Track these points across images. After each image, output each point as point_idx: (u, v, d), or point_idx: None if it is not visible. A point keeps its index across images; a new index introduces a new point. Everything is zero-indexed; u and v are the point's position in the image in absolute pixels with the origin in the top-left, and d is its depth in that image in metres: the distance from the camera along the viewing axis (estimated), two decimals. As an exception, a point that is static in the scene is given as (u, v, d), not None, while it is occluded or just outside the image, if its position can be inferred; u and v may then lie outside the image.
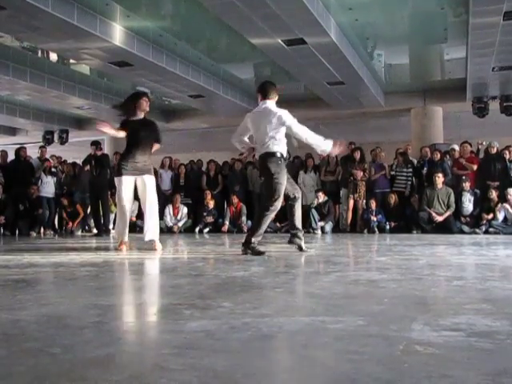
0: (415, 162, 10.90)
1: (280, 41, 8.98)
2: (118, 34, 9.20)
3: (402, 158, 10.58)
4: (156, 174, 11.95)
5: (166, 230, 10.84)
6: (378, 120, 15.53)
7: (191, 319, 1.78)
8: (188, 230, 10.93)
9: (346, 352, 1.37)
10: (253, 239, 4.67)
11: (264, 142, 4.80)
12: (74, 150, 18.21)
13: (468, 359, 1.30)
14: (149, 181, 5.39)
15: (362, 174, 10.26)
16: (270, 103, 4.87)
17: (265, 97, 4.90)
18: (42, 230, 10.62)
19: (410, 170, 10.55)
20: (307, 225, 10.31)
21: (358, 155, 10.39)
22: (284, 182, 4.77)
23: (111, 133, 5.44)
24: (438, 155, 10.37)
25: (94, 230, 9.92)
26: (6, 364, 1.28)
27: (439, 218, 9.55)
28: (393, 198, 10.17)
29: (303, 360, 1.33)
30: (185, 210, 11.12)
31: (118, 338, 1.55)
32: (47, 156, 11.58)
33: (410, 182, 10.50)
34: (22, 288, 2.65)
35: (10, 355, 1.37)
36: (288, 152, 4.95)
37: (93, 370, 1.23)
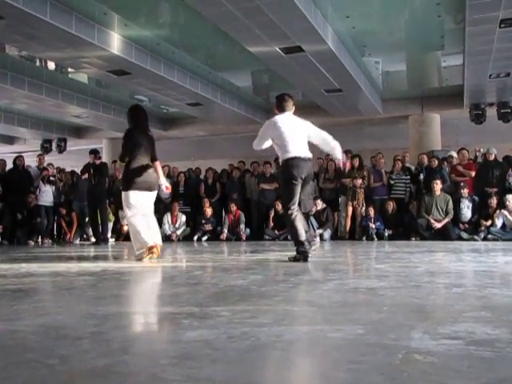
0: (413, 168, 10.93)
1: (278, 49, 9.00)
2: (115, 42, 9.22)
3: (399, 165, 10.60)
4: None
5: (164, 239, 10.79)
6: (375, 127, 15.55)
7: (190, 329, 1.78)
8: (186, 238, 10.92)
9: (345, 361, 1.37)
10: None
11: None
12: (73, 159, 18.21)
13: (468, 368, 1.30)
14: None
15: (361, 181, 10.26)
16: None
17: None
18: (40, 238, 10.60)
19: (409, 177, 10.57)
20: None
21: (356, 163, 10.40)
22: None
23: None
24: (436, 162, 10.39)
25: (93, 239, 9.91)
26: (3, 376, 1.27)
27: (438, 225, 9.55)
28: (391, 205, 10.18)
29: (302, 369, 1.32)
30: (183, 218, 11.12)
31: (116, 348, 1.54)
32: (45, 165, 11.58)
33: (408, 189, 10.52)
34: (19, 298, 2.63)
35: (7, 366, 1.36)
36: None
37: (91, 380, 1.23)
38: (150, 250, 5.03)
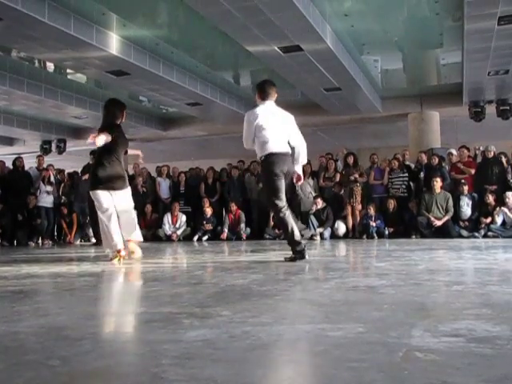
0: (412, 166, 10.93)
1: (276, 48, 9.00)
2: (114, 43, 9.22)
3: (397, 163, 10.60)
4: (154, 181, 11.99)
5: (164, 239, 10.84)
6: (375, 125, 15.55)
7: (190, 328, 1.78)
8: (187, 237, 10.92)
9: (345, 360, 1.37)
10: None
11: None
12: (72, 160, 18.21)
13: (468, 365, 1.30)
14: None
15: (357, 176, 10.24)
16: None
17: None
18: (40, 239, 10.61)
19: (406, 174, 10.57)
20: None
21: (351, 160, 10.40)
22: None
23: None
24: (436, 160, 10.38)
25: (93, 240, 9.91)
26: (4, 377, 1.27)
27: (438, 223, 9.54)
28: (392, 204, 10.17)
29: (303, 368, 1.33)
30: (183, 218, 11.12)
31: (116, 348, 1.55)
32: (45, 165, 11.57)
33: (404, 186, 10.50)
34: (20, 299, 2.64)
35: (9, 368, 1.36)
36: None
37: (92, 381, 1.23)
38: (119, 252, 4.95)
